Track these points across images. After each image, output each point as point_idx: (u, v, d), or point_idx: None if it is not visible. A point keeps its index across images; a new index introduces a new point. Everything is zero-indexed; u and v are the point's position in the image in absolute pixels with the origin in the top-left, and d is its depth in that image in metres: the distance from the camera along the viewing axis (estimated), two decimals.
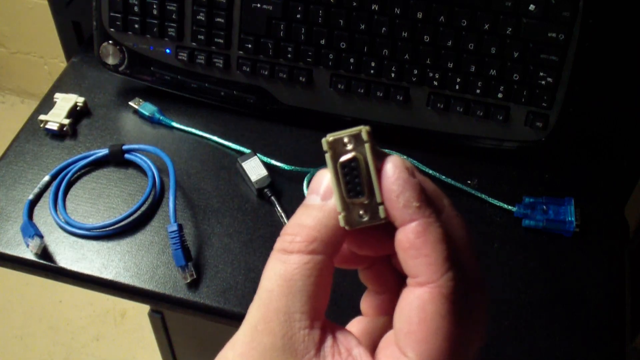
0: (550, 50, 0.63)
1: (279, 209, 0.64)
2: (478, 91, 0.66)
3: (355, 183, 0.29)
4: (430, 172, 0.66)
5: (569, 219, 0.63)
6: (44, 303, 1.64)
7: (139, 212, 0.65)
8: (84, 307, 1.63)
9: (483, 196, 0.66)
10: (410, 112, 0.69)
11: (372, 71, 0.68)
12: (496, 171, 0.69)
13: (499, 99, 0.66)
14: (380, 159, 0.29)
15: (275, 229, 0.63)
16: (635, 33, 0.69)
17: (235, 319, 0.58)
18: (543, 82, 0.64)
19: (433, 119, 0.69)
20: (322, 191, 0.30)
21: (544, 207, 0.64)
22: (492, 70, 0.65)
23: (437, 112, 0.68)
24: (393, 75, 0.67)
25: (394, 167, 0.29)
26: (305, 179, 0.66)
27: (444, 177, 0.66)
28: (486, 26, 0.63)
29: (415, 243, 0.27)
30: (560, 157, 0.70)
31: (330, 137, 0.29)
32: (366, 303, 0.34)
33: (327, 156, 0.29)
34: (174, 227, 0.60)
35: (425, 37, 0.65)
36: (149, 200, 0.65)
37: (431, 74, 0.66)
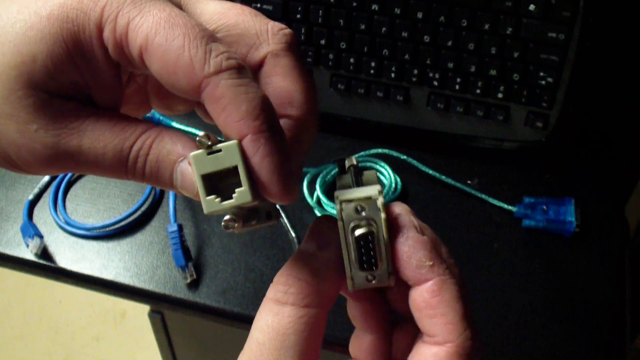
0: (550, 50, 0.63)
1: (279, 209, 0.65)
2: (478, 91, 0.66)
3: (370, 256, 0.28)
4: (430, 172, 0.66)
5: (569, 219, 0.63)
6: (44, 303, 1.64)
7: (139, 212, 0.65)
8: (84, 307, 1.63)
9: (483, 196, 0.66)
10: (410, 112, 0.69)
11: (372, 71, 0.68)
12: (496, 171, 0.69)
13: (499, 99, 0.66)
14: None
15: (275, 229, 0.63)
16: (635, 33, 0.69)
17: (235, 319, 0.58)
18: (543, 82, 0.64)
19: (433, 119, 0.69)
20: (320, 240, 0.28)
21: (544, 207, 0.64)
22: (492, 70, 0.65)
23: (437, 112, 0.68)
24: (393, 75, 0.67)
25: (402, 227, 0.28)
26: (305, 179, 0.66)
27: (444, 177, 0.66)
28: (486, 26, 0.63)
29: (431, 302, 0.27)
30: (560, 157, 0.70)
31: (342, 199, 0.28)
32: (355, 345, 0.32)
33: (340, 225, 0.28)
34: (174, 227, 0.60)
35: (425, 37, 0.65)
36: (149, 200, 0.66)
37: (431, 74, 0.66)
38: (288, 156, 0.26)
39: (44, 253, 0.62)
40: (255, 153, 0.25)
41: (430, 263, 0.27)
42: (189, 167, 0.27)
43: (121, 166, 0.27)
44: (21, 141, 0.26)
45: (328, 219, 0.29)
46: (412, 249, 0.27)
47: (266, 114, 0.25)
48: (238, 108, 0.25)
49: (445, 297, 0.27)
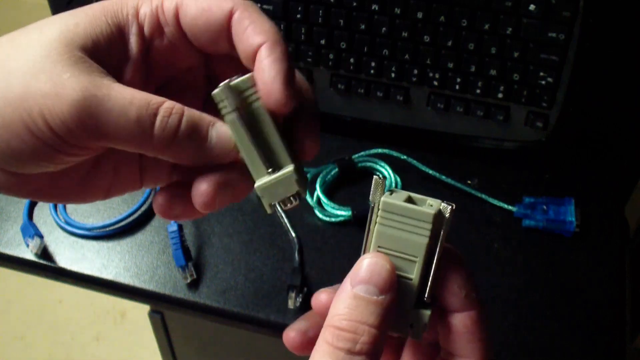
0: (550, 50, 0.63)
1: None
2: (478, 91, 0.66)
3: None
4: (430, 172, 0.66)
5: (569, 219, 0.63)
6: (44, 303, 1.64)
7: (139, 212, 0.65)
8: (84, 307, 1.63)
9: (483, 196, 0.66)
10: (410, 112, 0.69)
11: (372, 71, 0.68)
12: (496, 171, 0.69)
13: (499, 99, 0.66)
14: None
15: (275, 229, 0.63)
16: (635, 33, 0.69)
17: (235, 319, 0.58)
18: (543, 82, 0.64)
19: (433, 119, 0.69)
20: (382, 284, 0.28)
21: (544, 207, 0.64)
22: (492, 70, 0.65)
23: (437, 112, 0.68)
24: (393, 75, 0.67)
25: (456, 258, 0.31)
26: None
27: (444, 177, 0.66)
28: (486, 26, 0.63)
29: (472, 329, 0.30)
30: (560, 157, 0.70)
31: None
32: None
33: (426, 244, 0.29)
34: (174, 227, 0.60)
35: (425, 37, 0.65)
36: (149, 200, 0.65)
37: (431, 74, 0.66)
38: (292, 70, 0.31)
39: (44, 253, 0.62)
40: (268, 56, 0.30)
41: (475, 295, 0.30)
42: (223, 126, 0.30)
43: (147, 120, 0.28)
44: (51, 89, 0.27)
45: (385, 259, 0.29)
46: (465, 281, 0.30)
47: (281, 35, 0.31)
48: (263, 23, 0.30)
49: (483, 325, 0.30)
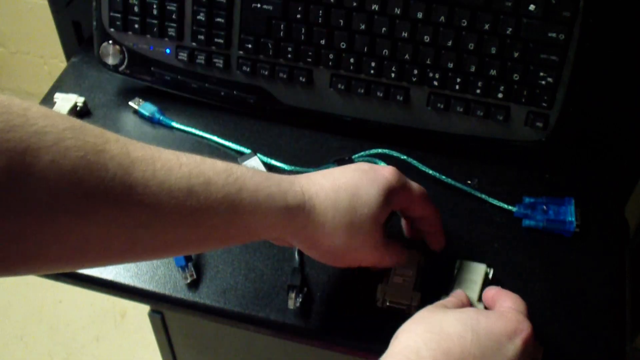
0: (550, 50, 0.63)
1: None
2: (478, 91, 0.66)
3: None
4: (430, 172, 0.66)
5: (569, 219, 0.63)
6: (44, 303, 1.64)
7: None
8: (84, 307, 1.63)
9: (483, 196, 0.66)
10: (410, 112, 0.69)
11: (372, 71, 0.68)
12: (496, 171, 0.69)
13: (499, 99, 0.66)
14: None
15: None
16: (635, 33, 0.69)
17: (235, 319, 0.58)
18: (543, 82, 0.64)
19: (433, 119, 0.69)
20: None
21: (544, 207, 0.64)
22: (492, 70, 0.65)
23: (437, 112, 0.68)
24: (393, 75, 0.67)
25: None
26: None
27: (444, 177, 0.66)
28: (486, 26, 0.63)
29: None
30: (560, 157, 0.70)
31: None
32: None
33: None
34: None
35: (425, 37, 0.65)
36: None
37: (431, 74, 0.66)
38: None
39: None
40: (439, 234, 0.59)
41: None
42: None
43: (387, 260, 0.56)
44: (371, 249, 0.53)
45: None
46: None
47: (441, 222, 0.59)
48: (438, 219, 0.58)
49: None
